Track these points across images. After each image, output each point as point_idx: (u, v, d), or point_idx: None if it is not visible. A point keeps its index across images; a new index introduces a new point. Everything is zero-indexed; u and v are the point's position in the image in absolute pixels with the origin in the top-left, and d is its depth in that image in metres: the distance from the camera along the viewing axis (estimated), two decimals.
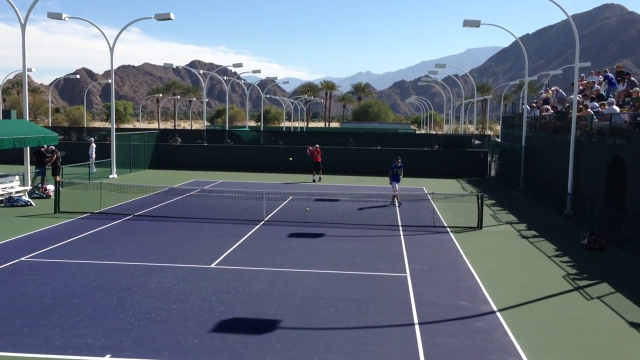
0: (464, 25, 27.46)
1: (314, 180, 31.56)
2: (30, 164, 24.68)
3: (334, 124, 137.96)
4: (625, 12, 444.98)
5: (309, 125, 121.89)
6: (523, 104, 31.99)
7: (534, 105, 31.63)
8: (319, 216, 19.87)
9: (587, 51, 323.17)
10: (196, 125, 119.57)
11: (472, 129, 75.49)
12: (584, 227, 18.16)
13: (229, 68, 58.86)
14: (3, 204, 21.06)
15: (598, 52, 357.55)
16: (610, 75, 24.56)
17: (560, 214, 21.31)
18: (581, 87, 24.84)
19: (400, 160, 23.71)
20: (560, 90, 30.38)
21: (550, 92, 30.65)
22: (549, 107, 27.85)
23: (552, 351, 8.80)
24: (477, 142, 45.40)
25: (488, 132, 72.63)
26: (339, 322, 9.77)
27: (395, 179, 23.21)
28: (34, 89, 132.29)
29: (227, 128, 56.13)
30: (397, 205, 22.75)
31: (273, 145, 42.55)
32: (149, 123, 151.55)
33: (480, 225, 18.50)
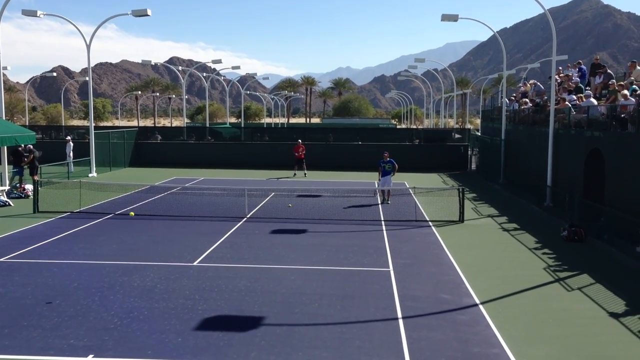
0: (442, 20, 27.59)
1: (294, 175, 31.64)
2: (8, 164, 24.32)
3: (315, 120, 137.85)
4: (600, 5, 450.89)
5: (290, 121, 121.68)
6: (502, 97, 32.25)
7: (513, 98, 31.92)
8: (302, 212, 19.86)
9: (564, 44, 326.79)
10: (176, 123, 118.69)
11: (452, 123, 75.93)
12: (564, 219, 18.38)
13: (208, 64, 58.45)
14: None
15: (575, 45, 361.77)
16: (584, 67, 24.91)
17: (540, 206, 21.55)
18: (559, 80, 25.11)
19: (387, 156, 22.45)
20: (539, 83, 30.69)
21: (529, 85, 30.95)
22: (527, 100, 28.13)
23: (534, 342, 8.90)
24: (457, 136, 45.61)
25: (468, 126, 73.23)
26: (323, 317, 9.78)
27: (383, 175, 22.37)
28: (10, 88, 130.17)
29: (207, 125, 55.81)
30: (380, 202, 22.36)
31: (254, 142, 42.36)
32: (128, 121, 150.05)
33: (461, 219, 18.64)
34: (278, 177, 31.31)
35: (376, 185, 22.97)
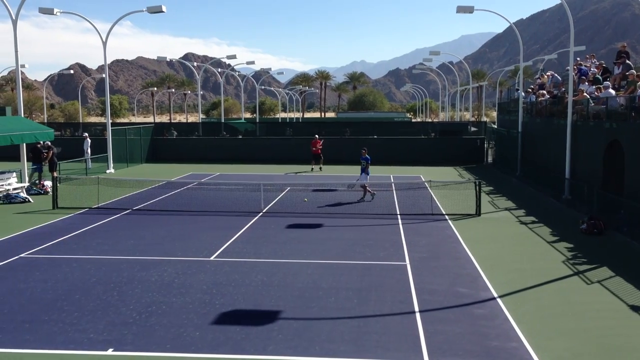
0: (458, 12, 27.37)
1: (312, 169, 31.67)
2: (27, 161, 24.61)
3: (330, 114, 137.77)
4: None
5: (305, 116, 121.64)
6: (518, 89, 31.94)
7: (530, 90, 31.59)
8: (317, 206, 19.87)
9: (582, 35, 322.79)
10: (191, 118, 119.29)
11: (468, 116, 75.41)
12: (583, 211, 18.20)
13: (223, 60, 58.62)
14: (1, 201, 21.01)
15: (592, 36, 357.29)
16: (584, 67, 24.59)
17: (559, 199, 21.34)
18: (581, 69, 24.79)
19: (365, 152, 21.93)
20: (556, 74, 30.34)
21: (546, 77, 30.61)
22: (544, 92, 27.83)
23: (553, 336, 8.83)
24: (473, 129, 45.36)
25: (484, 118, 72.68)
26: (340, 311, 9.78)
27: (362, 171, 21.74)
28: (28, 86, 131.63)
29: (222, 120, 56.00)
30: (365, 198, 21.60)
31: (269, 136, 42.46)
32: (145, 117, 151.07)
33: (478, 212, 18.52)
34: (296, 171, 31.31)
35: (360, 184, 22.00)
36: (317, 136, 33.22)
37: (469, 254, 13.66)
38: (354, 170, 31.27)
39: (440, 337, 8.66)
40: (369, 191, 21.82)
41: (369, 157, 21.84)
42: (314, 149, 32.18)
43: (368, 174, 21.85)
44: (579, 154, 21.00)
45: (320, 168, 31.85)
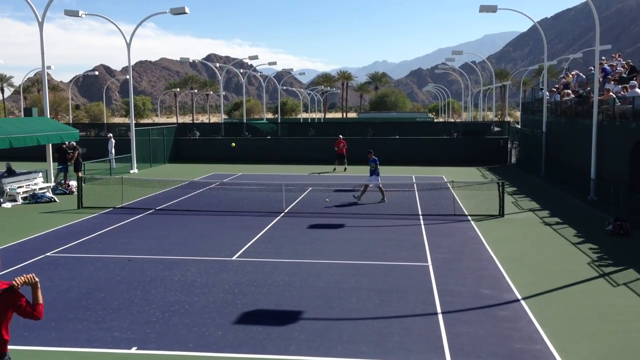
0: (481, 11, 27.14)
1: (334, 169, 31.66)
2: (53, 161, 25.00)
3: (351, 115, 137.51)
4: None
5: (326, 116, 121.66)
6: (542, 89, 31.56)
7: (554, 90, 31.22)
8: (339, 207, 19.86)
9: (608, 33, 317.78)
10: (214, 119, 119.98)
11: (491, 116, 74.73)
12: (609, 212, 17.91)
13: (245, 61, 58.86)
14: (27, 201, 21.37)
15: (618, 35, 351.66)
16: (607, 67, 24.20)
17: (584, 199, 21.05)
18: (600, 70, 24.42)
19: (371, 154, 21.57)
20: (581, 74, 29.93)
21: (571, 76, 30.22)
22: (569, 91, 27.47)
23: (578, 338, 8.71)
24: (496, 129, 44.96)
25: (507, 118, 71.91)
26: (362, 312, 9.76)
27: (372, 173, 21.51)
28: (54, 87, 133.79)
29: (244, 121, 56.25)
30: (359, 198, 21.20)
31: (291, 137, 42.55)
32: (168, 118, 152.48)
33: (501, 213, 18.34)
34: (320, 172, 31.31)
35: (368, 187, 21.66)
36: (340, 136, 33.15)
37: (492, 255, 13.53)
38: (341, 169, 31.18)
39: (463, 339, 8.59)
40: (382, 192, 21.43)
41: (376, 159, 21.60)
42: (337, 148, 32.12)
43: (379, 175, 21.58)
44: (605, 154, 20.68)
45: (345, 169, 31.74)
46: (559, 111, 28.23)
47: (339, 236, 15.56)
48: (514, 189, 24.82)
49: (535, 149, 30.25)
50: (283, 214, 18.77)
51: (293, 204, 20.51)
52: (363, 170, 31.24)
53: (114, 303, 10.17)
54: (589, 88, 25.01)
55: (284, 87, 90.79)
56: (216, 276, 11.84)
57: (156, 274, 11.99)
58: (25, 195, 21.58)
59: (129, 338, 8.61)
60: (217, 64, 71.20)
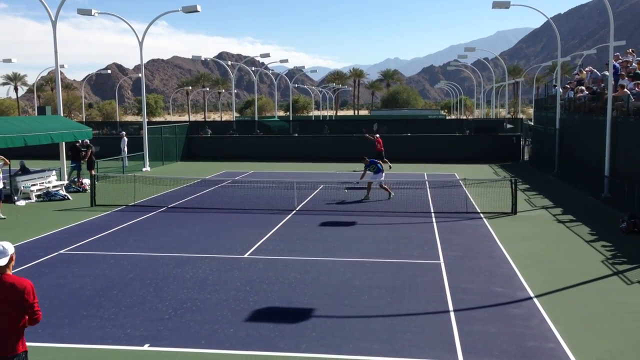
0: (493, 7, 26.99)
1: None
2: (66, 159, 25.19)
3: (363, 112, 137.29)
4: None
5: (338, 114, 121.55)
6: (555, 85, 31.29)
7: (568, 86, 30.95)
8: (350, 204, 19.83)
9: (622, 29, 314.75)
10: (226, 117, 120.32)
11: (503, 113, 74.26)
12: (623, 210, 17.73)
13: (257, 58, 58.98)
14: (41, 199, 21.55)
15: (633, 30, 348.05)
16: (617, 65, 23.86)
17: (598, 197, 20.87)
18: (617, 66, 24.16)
19: (366, 160, 21.22)
20: (595, 70, 29.66)
21: (585, 72, 29.94)
22: (583, 88, 27.23)
23: (592, 337, 8.64)
24: (509, 126, 44.74)
25: (520, 115, 71.45)
26: (373, 309, 9.75)
27: (375, 173, 21.15)
28: (67, 85, 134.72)
29: (256, 119, 56.35)
30: (369, 197, 21.03)
31: (302, 134, 42.57)
32: (180, 116, 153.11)
33: (514, 211, 18.23)
34: (355, 169, 30.71)
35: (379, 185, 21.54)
36: (377, 135, 32.30)
37: (505, 253, 13.45)
38: (387, 168, 31.08)
39: (475, 337, 8.55)
40: (386, 189, 21.27)
41: (373, 159, 21.44)
42: (378, 145, 31.18)
43: (381, 171, 21.24)
44: (619, 151, 20.49)
45: (390, 167, 30.54)
46: (572, 108, 27.99)
47: (351, 234, 15.54)
48: (527, 186, 24.66)
49: (548, 146, 30.03)
50: (295, 211, 18.78)
51: (305, 201, 20.51)
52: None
53: (126, 300, 10.23)
54: (602, 84, 24.78)
55: (296, 85, 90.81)
56: (228, 273, 11.87)
57: (168, 271, 12.05)
58: (39, 193, 21.76)
59: (141, 335, 8.66)
60: (229, 62, 71.31)
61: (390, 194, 21.23)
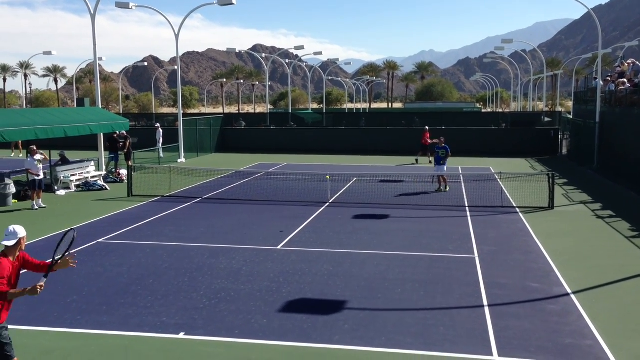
0: None
1: (416, 161, 30.67)
2: (104, 150, 25.67)
3: (397, 105, 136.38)
4: None
5: (372, 107, 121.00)
6: (596, 78, 30.54)
7: (609, 79, 30.18)
8: (384, 197, 19.75)
9: None
10: (259, 109, 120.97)
11: (541, 106, 72.90)
12: None
13: (291, 51, 59.12)
14: (80, 189, 22.03)
15: None
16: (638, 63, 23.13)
17: (639, 192, 20.33)
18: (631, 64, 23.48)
19: (442, 141, 21.30)
20: (637, 62, 28.84)
21: (626, 65, 29.15)
22: (625, 80, 26.53)
23: (631, 335, 8.44)
24: (547, 119, 43.82)
25: (559, 108, 70.04)
26: (407, 303, 9.70)
27: (437, 162, 21.47)
28: (105, 78, 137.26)
29: (290, 111, 56.47)
30: (441, 189, 21.09)
31: (336, 127, 42.50)
32: (214, 108, 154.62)
33: (551, 205, 17.89)
34: (403, 163, 30.46)
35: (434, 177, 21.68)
36: (426, 128, 31.88)
37: (541, 248, 13.23)
38: (422, 161, 30.85)
39: (510, 333, 8.44)
40: (444, 182, 21.22)
41: (447, 147, 21.26)
42: (422, 140, 30.89)
43: (445, 165, 21.26)
44: None
45: (430, 161, 30.22)
46: (613, 101, 27.29)
47: (384, 227, 15.48)
48: (565, 180, 24.18)
49: (587, 140, 29.36)
50: (328, 204, 18.79)
51: (338, 194, 20.50)
52: (408, 161, 31.00)
53: (162, 289, 10.40)
54: None
55: (330, 77, 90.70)
56: (261, 265, 11.95)
57: (203, 261, 12.19)
58: (78, 183, 22.25)
59: (177, 323, 8.79)
60: (263, 55, 71.62)
61: (441, 186, 21.14)
